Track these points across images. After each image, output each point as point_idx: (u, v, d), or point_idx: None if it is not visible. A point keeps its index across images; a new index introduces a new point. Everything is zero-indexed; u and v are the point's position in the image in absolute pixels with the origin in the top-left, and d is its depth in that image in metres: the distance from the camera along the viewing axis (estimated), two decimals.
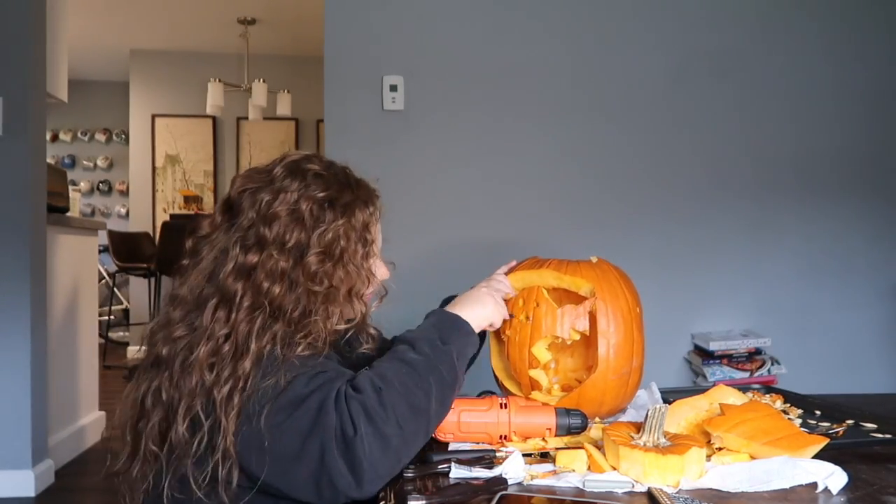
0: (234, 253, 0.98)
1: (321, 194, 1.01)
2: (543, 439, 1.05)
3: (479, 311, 1.08)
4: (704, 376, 2.46)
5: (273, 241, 0.97)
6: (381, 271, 1.14)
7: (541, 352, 1.20)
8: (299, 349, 0.93)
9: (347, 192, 1.05)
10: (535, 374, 1.20)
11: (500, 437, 1.02)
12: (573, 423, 1.04)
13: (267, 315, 0.94)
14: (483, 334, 1.24)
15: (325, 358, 0.96)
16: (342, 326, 1.04)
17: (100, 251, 4.08)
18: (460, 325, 1.02)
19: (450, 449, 1.03)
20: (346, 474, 0.83)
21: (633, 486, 0.84)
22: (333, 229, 1.00)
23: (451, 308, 1.06)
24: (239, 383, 0.88)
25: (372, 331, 1.16)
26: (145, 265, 5.08)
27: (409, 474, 0.91)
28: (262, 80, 5.49)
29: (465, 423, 1.01)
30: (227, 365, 0.90)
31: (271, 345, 0.92)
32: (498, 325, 1.15)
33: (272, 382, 0.87)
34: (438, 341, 0.97)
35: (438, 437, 1.02)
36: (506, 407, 1.04)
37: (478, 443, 1.02)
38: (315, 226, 0.99)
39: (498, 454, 0.97)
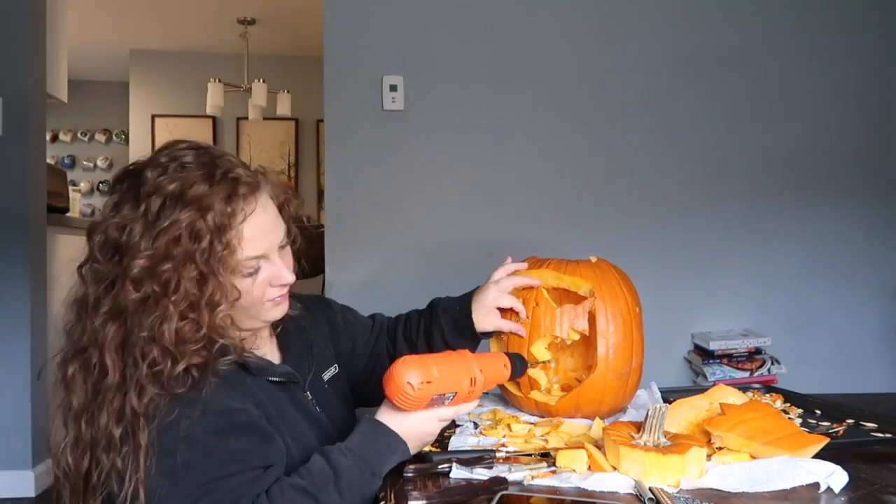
0: (92, 250, 0.91)
1: (171, 187, 0.88)
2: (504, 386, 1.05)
3: (418, 441, 0.95)
4: (704, 376, 2.46)
5: (116, 242, 0.88)
6: (272, 275, 0.96)
7: (540, 351, 1.20)
8: (172, 379, 0.84)
9: (202, 185, 0.89)
10: (534, 373, 1.21)
11: (472, 380, 0.95)
12: (518, 367, 1.06)
13: (122, 323, 0.86)
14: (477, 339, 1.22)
15: (218, 393, 0.87)
16: (193, 343, 0.87)
17: None
18: (395, 447, 0.92)
19: (450, 449, 1.03)
20: None
21: (634, 487, 0.84)
22: (173, 227, 0.86)
23: (394, 423, 0.93)
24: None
25: (298, 312, 1.08)
26: None
27: (409, 474, 0.91)
28: (261, 80, 5.49)
29: (439, 377, 0.92)
30: (99, 385, 0.86)
31: (132, 365, 0.84)
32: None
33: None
34: (368, 474, 0.89)
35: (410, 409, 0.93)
36: (469, 360, 0.98)
37: (452, 393, 0.94)
38: (156, 223, 0.86)
39: (498, 454, 0.97)
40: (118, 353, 0.85)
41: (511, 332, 1.20)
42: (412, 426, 0.93)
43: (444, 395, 0.93)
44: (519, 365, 1.07)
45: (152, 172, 0.90)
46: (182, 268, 0.86)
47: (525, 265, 1.25)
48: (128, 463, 0.82)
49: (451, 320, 1.19)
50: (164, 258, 0.86)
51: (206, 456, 0.83)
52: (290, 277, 0.98)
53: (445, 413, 0.95)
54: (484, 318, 1.18)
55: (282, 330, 1.09)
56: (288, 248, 1.01)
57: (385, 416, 0.94)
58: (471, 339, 1.20)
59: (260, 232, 0.93)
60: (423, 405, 0.92)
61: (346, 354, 1.21)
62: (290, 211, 1.03)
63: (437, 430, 0.96)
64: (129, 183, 0.91)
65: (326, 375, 1.13)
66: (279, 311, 1.01)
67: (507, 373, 1.04)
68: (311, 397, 1.06)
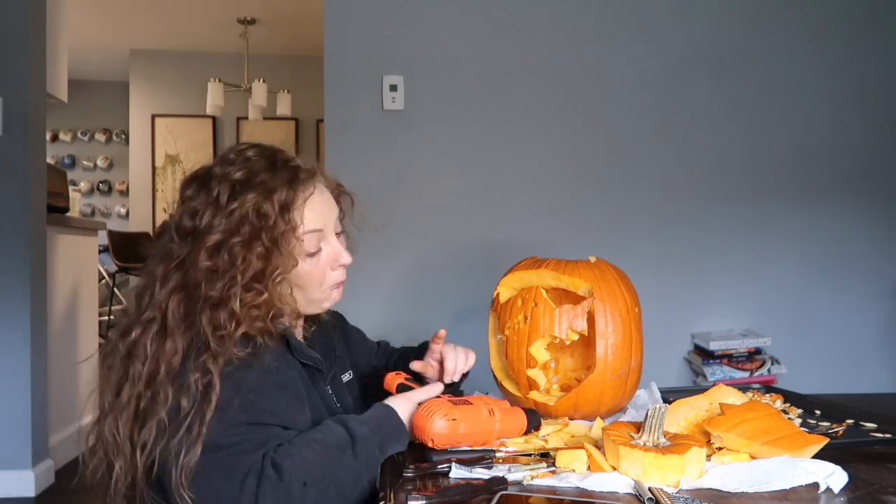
0: (164, 241, 1.00)
1: (237, 175, 0.99)
2: (526, 440, 1.06)
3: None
4: (704, 376, 2.46)
5: (189, 228, 0.97)
6: (331, 255, 1.06)
7: (539, 352, 1.20)
8: (233, 341, 0.91)
9: (266, 172, 1.00)
10: (533, 373, 1.20)
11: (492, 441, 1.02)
12: (533, 423, 1.08)
13: (188, 297, 0.94)
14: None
15: (269, 355, 0.94)
16: (256, 310, 0.96)
17: (100, 251, 4.08)
18: (402, 436, 0.99)
19: (449, 448, 1.03)
20: None
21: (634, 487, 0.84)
22: (241, 207, 0.96)
23: (402, 409, 1.01)
24: (169, 368, 0.90)
25: (326, 318, 1.17)
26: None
27: (410, 474, 0.91)
28: (262, 80, 5.49)
29: (464, 432, 0.99)
30: (154, 343, 0.92)
31: (196, 333, 0.92)
32: None
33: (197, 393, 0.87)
34: (377, 450, 0.95)
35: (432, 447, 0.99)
36: (493, 414, 1.03)
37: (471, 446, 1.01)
38: (226, 206, 0.97)
39: (497, 454, 0.97)
40: (183, 321, 0.93)
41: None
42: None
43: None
44: (533, 419, 1.09)
45: (219, 167, 1.01)
46: (250, 243, 0.95)
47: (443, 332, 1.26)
48: (183, 417, 0.87)
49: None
50: (234, 233, 0.95)
51: (251, 402, 0.90)
52: (349, 258, 1.08)
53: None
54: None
55: (316, 326, 1.17)
56: (343, 236, 1.10)
57: (399, 405, 1.01)
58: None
59: (319, 210, 1.04)
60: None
61: (354, 367, 1.27)
62: (341, 205, 1.11)
63: None
64: (199, 181, 1.01)
65: (344, 378, 1.19)
66: (337, 294, 1.09)
67: (522, 428, 1.06)
68: (331, 391, 1.11)
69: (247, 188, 0.98)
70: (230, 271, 0.94)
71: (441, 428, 0.96)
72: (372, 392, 1.22)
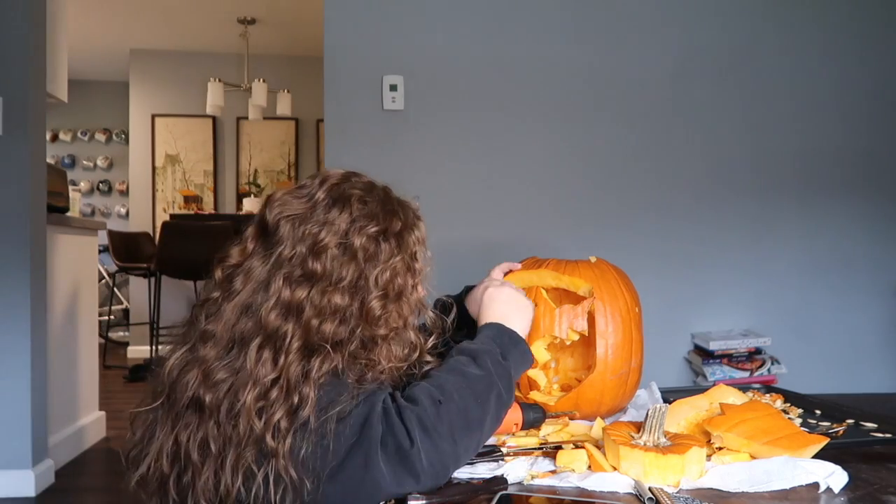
0: (276, 286, 0.89)
1: (373, 229, 0.94)
2: (512, 434, 1.06)
3: (527, 323, 1.05)
4: (704, 376, 2.46)
5: (323, 275, 0.89)
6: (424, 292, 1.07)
7: (539, 352, 1.20)
8: (364, 377, 0.89)
9: (396, 221, 0.97)
10: (534, 373, 1.20)
11: None
12: (535, 417, 1.08)
13: (322, 355, 0.87)
14: None
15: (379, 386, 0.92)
16: (401, 364, 0.96)
17: (100, 251, 4.08)
18: (517, 341, 0.99)
19: None
20: (396, 483, 0.81)
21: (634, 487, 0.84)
22: (391, 268, 0.94)
23: (504, 321, 1.02)
24: (292, 424, 0.83)
25: (429, 358, 1.06)
26: (145, 265, 5.08)
27: None
28: (262, 80, 5.49)
29: None
30: (278, 409, 0.83)
31: (329, 376, 0.87)
32: None
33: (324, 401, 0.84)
34: (500, 357, 0.94)
35: None
36: None
37: None
38: (370, 262, 0.92)
39: (504, 450, 0.97)
40: (311, 384, 0.86)
41: None
42: (519, 309, 1.05)
43: None
44: (532, 415, 1.08)
45: (340, 213, 0.94)
46: (399, 299, 0.95)
47: (519, 265, 1.27)
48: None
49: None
50: (386, 296, 0.93)
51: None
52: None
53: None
54: (473, 304, 1.17)
55: None
56: None
57: (494, 311, 1.04)
58: (465, 331, 1.18)
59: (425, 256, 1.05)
60: None
61: None
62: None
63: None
64: (312, 219, 0.93)
65: None
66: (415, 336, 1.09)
67: (518, 422, 1.06)
68: None
69: (386, 241, 0.95)
70: (380, 334, 0.93)
71: None
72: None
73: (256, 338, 0.86)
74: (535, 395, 1.21)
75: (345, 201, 0.94)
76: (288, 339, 0.86)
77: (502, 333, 0.99)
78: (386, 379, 0.92)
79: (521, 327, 1.03)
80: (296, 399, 0.83)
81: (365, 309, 0.91)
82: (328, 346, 0.87)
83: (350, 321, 0.90)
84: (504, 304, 1.05)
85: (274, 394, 0.83)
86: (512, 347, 0.98)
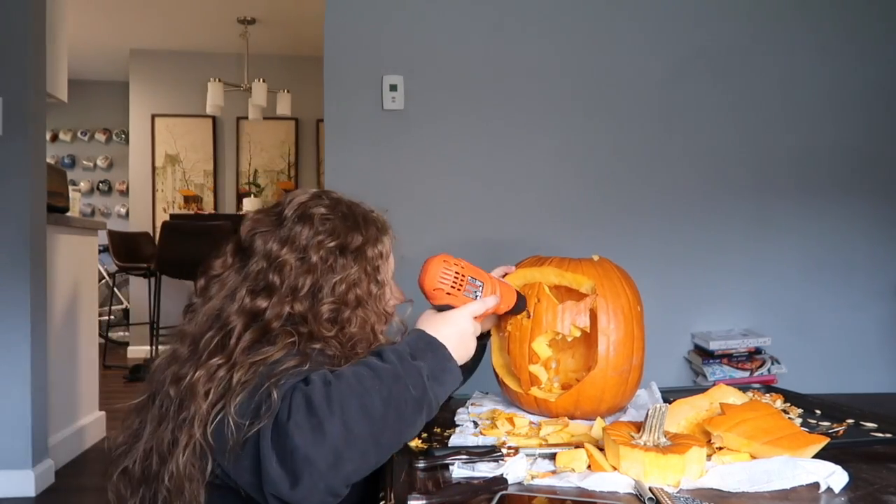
0: (240, 295, 0.99)
1: (332, 244, 1.02)
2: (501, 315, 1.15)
3: (463, 352, 0.98)
4: (704, 376, 2.46)
5: (281, 287, 0.99)
6: (396, 297, 1.15)
7: (541, 347, 1.20)
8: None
9: (356, 235, 1.05)
10: (535, 369, 1.21)
11: (491, 282, 1.08)
12: (521, 304, 1.15)
13: (273, 348, 0.93)
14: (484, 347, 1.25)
15: None
16: None
17: (100, 251, 4.08)
18: (436, 347, 0.93)
19: (450, 445, 1.03)
20: (276, 467, 0.78)
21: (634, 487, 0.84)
22: (346, 279, 1.02)
23: (430, 329, 0.96)
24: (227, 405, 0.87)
25: None
26: (145, 265, 5.08)
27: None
28: (262, 80, 5.49)
29: (464, 265, 1.04)
30: (219, 391, 0.89)
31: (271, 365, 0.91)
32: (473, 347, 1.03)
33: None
34: (409, 355, 0.89)
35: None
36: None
37: (481, 283, 1.05)
38: (327, 273, 1.01)
39: (504, 450, 0.97)
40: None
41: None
42: (449, 323, 0.98)
43: (476, 282, 1.04)
44: (521, 302, 1.15)
45: (302, 228, 1.03)
46: (357, 309, 1.03)
47: (514, 268, 1.29)
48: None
49: None
50: (343, 304, 1.02)
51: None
52: (403, 298, 1.17)
53: (474, 307, 1.02)
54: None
55: None
56: None
57: (424, 323, 0.99)
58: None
59: (392, 259, 1.15)
60: (460, 292, 1.01)
61: None
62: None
63: (474, 329, 1.00)
64: (276, 236, 1.03)
65: None
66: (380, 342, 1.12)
67: (513, 301, 1.13)
68: None
69: (344, 254, 1.04)
70: (329, 337, 0.99)
71: (446, 257, 1.02)
72: None
73: (216, 333, 0.96)
74: (535, 392, 1.21)
75: (308, 219, 1.04)
76: (238, 331, 0.94)
77: (420, 339, 0.94)
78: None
79: (451, 344, 0.95)
80: (236, 382, 0.88)
81: (315, 312, 0.99)
82: (279, 342, 0.93)
83: (305, 325, 0.97)
84: (445, 326, 0.97)
85: (220, 373, 0.90)
86: (428, 351, 0.92)
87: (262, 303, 0.97)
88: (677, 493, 0.82)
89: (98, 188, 7.32)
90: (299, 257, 1.00)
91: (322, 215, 1.04)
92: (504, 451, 0.97)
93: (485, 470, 0.91)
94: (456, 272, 1.01)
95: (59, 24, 3.19)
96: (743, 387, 1.33)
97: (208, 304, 1.01)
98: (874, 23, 2.67)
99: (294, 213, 1.04)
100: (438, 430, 1.15)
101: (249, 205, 5.86)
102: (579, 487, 0.85)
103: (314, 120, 6.18)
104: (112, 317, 5.97)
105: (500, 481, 0.86)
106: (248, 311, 0.97)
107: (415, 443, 1.05)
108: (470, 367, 1.25)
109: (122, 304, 6.60)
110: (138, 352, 5.84)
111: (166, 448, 0.91)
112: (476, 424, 1.18)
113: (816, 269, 2.64)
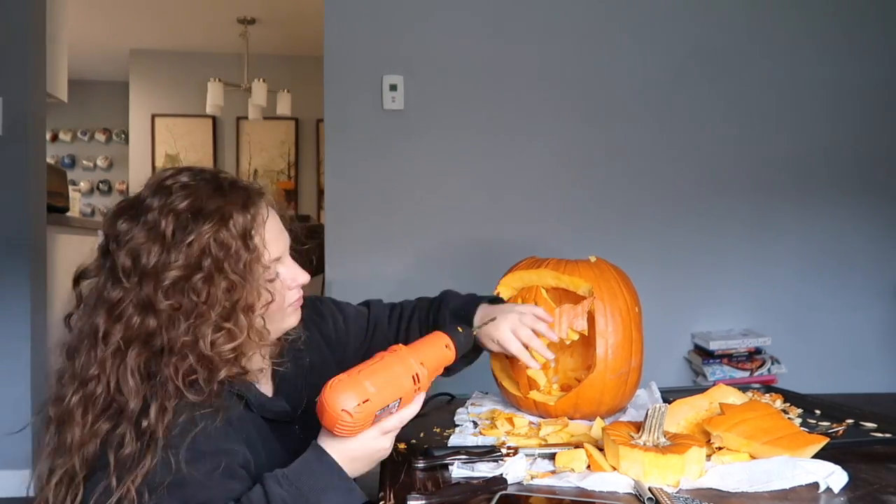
0: (101, 289, 0.89)
1: (182, 204, 0.88)
2: (444, 371, 0.96)
3: (366, 463, 0.89)
4: (704, 376, 2.46)
5: (132, 268, 0.86)
6: (288, 277, 0.98)
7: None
8: (182, 393, 0.83)
9: (216, 198, 0.90)
10: (534, 373, 1.20)
11: (414, 377, 0.87)
12: (462, 342, 0.96)
13: (138, 350, 0.85)
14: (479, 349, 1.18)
15: (219, 410, 0.85)
16: (230, 352, 0.87)
17: None
18: (348, 490, 0.85)
19: (449, 445, 1.03)
20: None
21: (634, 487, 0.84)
22: (198, 239, 0.87)
23: (345, 458, 0.86)
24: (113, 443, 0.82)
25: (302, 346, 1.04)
26: None
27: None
28: (261, 80, 5.49)
29: (375, 391, 0.83)
30: (102, 415, 0.84)
31: (148, 389, 0.83)
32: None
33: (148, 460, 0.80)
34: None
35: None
36: (396, 351, 0.90)
37: (396, 401, 0.87)
38: (178, 240, 0.87)
39: (503, 450, 0.97)
40: (135, 376, 0.84)
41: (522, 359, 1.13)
42: (359, 448, 0.86)
43: (388, 406, 0.85)
44: (463, 339, 0.97)
45: (155, 199, 0.89)
46: (213, 278, 0.87)
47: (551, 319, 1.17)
48: (125, 479, 0.81)
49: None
50: (196, 269, 0.86)
51: (184, 482, 0.82)
52: (307, 277, 1.00)
53: (390, 424, 0.87)
54: (489, 343, 1.14)
55: (287, 358, 1.06)
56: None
57: (329, 442, 0.87)
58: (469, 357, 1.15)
59: (277, 233, 0.96)
60: (367, 425, 0.85)
61: (343, 362, 1.16)
62: (286, 215, 1.03)
63: (389, 445, 0.89)
64: (131, 215, 0.90)
65: None
66: (297, 316, 1.01)
67: (452, 353, 0.94)
68: (300, 433, 1.01)
69: (199, 218, 0.88)
70: (195, 310, 0.86)
71: (348, 402, 0.81)
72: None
73: (86, 340, 0.88)
74: (534, 395, 1.21)
75: (163, 189, 0.91)
76: (102, 333, 0.86)
77: (321, 472, 0.85)
78: (213, 390, 0.86)
79: (357, 469, 0.87)
80: (118, 408, 0.84)
81: (158, 282, 0.86)
82: (141, 342, 0.86)
83: (163, 314, 0.86)
84: (352, 462, 0.87)
85: (98, 391, 0.85)
86: (330, 492, 0.84)
87: (115, 292, 0.87)
88: (677, 493, 0.82)
89: (98, 188, 7.31)
90: (147, 230, 0.87)
91: (182, 184, 0.91)
92: (503, 451, 0.97)
93: (484, 470, 0.91)
94: (358, 417, 0.82)
95: (60, 24, 3.19)
96: (743, 387, 1.33)
97: (85, 310, 0.92)
98: (871, 23, 2.67)
99: (149, 189, 0.92)
100: (438, 430, 1.15)
101: None
102: (579, 487, 0.85)
103: (314, 120, 6.18)
104: None
105: (500, 481, 0.86)
106: (108, 305, 0.87)
107: (401, 445, 1.05)
108: (469, 360, 1.19)
109: None
110: None
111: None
112: (475, 424, 1.18)
113: (815, 270, 2.64)
